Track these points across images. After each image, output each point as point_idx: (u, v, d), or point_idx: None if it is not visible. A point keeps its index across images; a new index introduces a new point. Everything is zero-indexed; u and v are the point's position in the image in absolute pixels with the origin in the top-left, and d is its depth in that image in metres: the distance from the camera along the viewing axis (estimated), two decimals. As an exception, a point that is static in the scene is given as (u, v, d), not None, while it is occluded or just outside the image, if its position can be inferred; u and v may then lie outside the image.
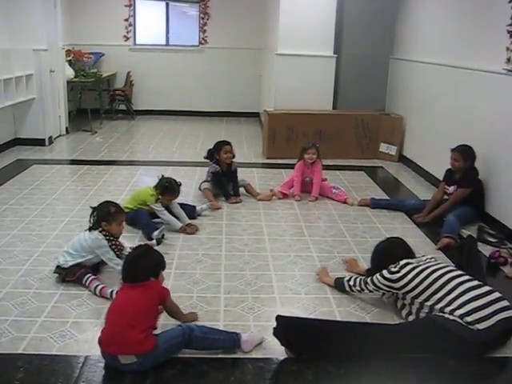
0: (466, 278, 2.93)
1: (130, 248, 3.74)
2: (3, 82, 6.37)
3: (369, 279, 3.19)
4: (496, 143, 4.72)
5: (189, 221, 4.48)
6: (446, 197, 4.86)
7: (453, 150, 4.74)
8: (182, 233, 4.34)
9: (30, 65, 7.06)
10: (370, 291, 3.21)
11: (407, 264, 3.03)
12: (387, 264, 3.12)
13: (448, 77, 5.78)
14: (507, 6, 4.53)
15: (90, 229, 3.52)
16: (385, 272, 3.07)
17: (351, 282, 3.32)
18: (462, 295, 2.80)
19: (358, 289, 3.27)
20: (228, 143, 5.31)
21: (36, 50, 7.10)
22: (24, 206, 4.91)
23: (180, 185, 4.52)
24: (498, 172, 4.66)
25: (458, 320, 2.72)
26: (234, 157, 5.35)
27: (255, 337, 2.83)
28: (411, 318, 2.99)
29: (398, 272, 3.01)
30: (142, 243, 3.91)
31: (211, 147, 5.39)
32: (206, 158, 5.39)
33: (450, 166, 4.84)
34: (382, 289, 3.12)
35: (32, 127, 7.29)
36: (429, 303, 2.88)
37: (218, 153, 5.25)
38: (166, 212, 4.41)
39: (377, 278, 3.11)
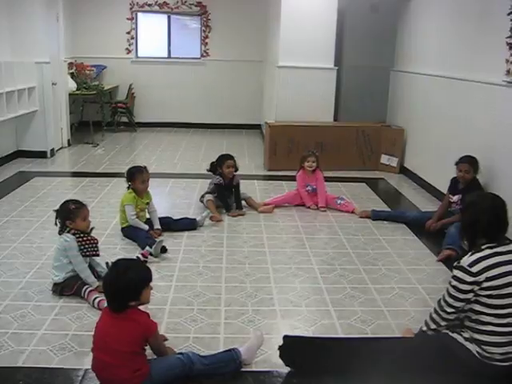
0: None
1: (106, 263, 3.65)
2: (5, 94, 6.40)
3: (442, 296, 2.70)
4: (496, 155, 4.72)
5: (159, 227, 4.54)
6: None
7: (461, 162, 4.68)
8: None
9: (32, 77, 7.10)
10: (448, 304, 2.64)
11: (496, 265, 2.54)
12: (479, 225, 2.65)
13: (449, 89, 5.79)
14: (506, 18, 4.55)
15: (60, 233, 3.51)
16: (457, 272, 2.59)
17: (429, 323, 2.77)
18: (508, 335, 2.56)
19: (438, 321, 2.72)
20: (231, 157, 5.32)
21: (38, 62, 7.14)
22: (25, 218, 4.92)
23: (145, 167, 4.58)
24: (498, 184, 4.65)
25: (474, 351, 2.58)
26: (237, 170, 5.35)
27: (253, 345, 2.77)
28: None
29: (475, 263, 2.55)
30: (139, 254, 3.94)
31: (214, 160, 5.39)
32: (209, 170, 5.39)
33: (451, 177, 4.83)
34: (455, 287, 2.59)
35: (34, 139, 7.32)
36: (476, 317, 2.59)
37: (221, 166, 5.26)
38: (134, 217, 4.42)
39: (451, 286, 2.62)
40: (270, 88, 8.28)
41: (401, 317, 3.27)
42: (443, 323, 2.71)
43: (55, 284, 3.46)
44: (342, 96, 7.80)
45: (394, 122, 7.48)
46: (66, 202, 3.59)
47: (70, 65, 8.82)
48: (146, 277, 2.57)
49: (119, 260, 2.72)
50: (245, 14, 9.96)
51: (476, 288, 2.55)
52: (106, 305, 3.17)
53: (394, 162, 7.15)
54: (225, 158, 5.30)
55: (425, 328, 2.80)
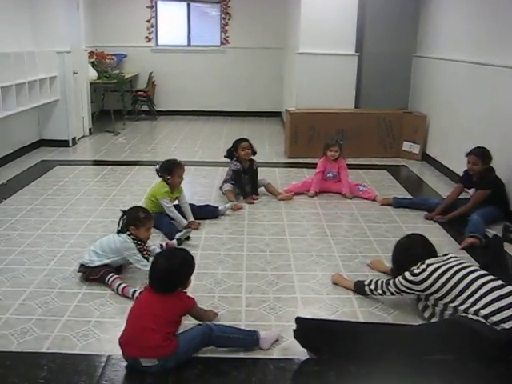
0: (490, 277, 2.88)
1: (158, 246, 3.78)
2: (28, 84, 6.46)
3: (391, 281, 3.14)
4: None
5: (192, 218, 4.52)
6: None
7: (469, 154, 4.67)
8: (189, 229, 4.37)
9: (53, 67, 7.15)
10: (392, 294, 3.16)
11: (430, 265, 2.97)
12: (407, 263, 3.10)
13: (473, 74, 5.69)
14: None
15: (119, 232, 3.56)
16: (407, 274, 3.02)
17: (372, 286, 3.27)
18: (486, 295, 2.76)
19: (380, 292, 3.22)
20: (245, 140, 5.33)
21: (59, 52, 7.20)
22: (48, 206, 4.97)
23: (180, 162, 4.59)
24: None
25: (483, 320, 2.69)
26: (254, 153, 5.36)
27: (273, 334, 2.85)
28: (434, 319, 2.96)
29: (420, 273, 2.95)
30: (163, 243, 3.96)
31: (230, 147, 5.39)
32: (226, 156, 5.41)
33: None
34: (404, 291, 3.07)
35: (56, 128, 7.39)
36: (453, 304, 2.84)
37: (237, 150, 5.27)
38: (173, 209, 4.43)
39: (399, 281, 3.06)
40: (290, 75, 8.23)
41: (423, 305, 3.24)
42: (379, 291, 3.22)
43: (85, 266, 3.50)
44: (363, 82, 7.72)
45: (416, 109, 7.39)
46: (137, 207, 3.69)
47: (91, 54, 8.86)
48: (193, 266, 2.81)
49: (168, 249, 3.05)
50: (264, 0, 9.89)
51: (419, 287, 2.96)
52: (131, 291, 3.24)
53: (416, 148, 7.07)
54: (239, 141, 5.32)
55: (367, 282, 3.32)
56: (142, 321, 2.56)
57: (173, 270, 2.65)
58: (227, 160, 5.46)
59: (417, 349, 2.70)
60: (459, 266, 2.95)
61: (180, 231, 4.18)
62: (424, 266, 2.97)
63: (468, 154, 4.69)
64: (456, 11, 6.25)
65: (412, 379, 2.61)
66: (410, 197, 5.43)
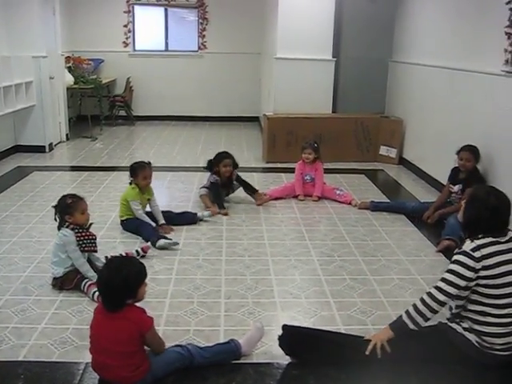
0: None
1: (106, 257, 3.53)
2: (3, 89, 6.39)
3: (438, 283, 2.60)
4: (495, 144, 4.71)
5: (163, 221, 4.52)
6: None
7: (462, 151, 4.69)
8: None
9: (29, 72, 7.07)
10: (445, 296, 2.56)
11: (484, 246, 2.55)
12: (481, 228, 2.62)
13: (447, 79, 5.78)
14: (505, 8, 4.53)
15: (59, 228, 3.51)
16: (459, 257, 2.56)
17: (416, 317, 2.59)
18: (504, 317, 2.57)
19: (424, 313, 2.58)
20: (228, 156, 5.16)
21: (35, 56, 7.12)
22: (24, 212, 4.91)
23: (149, 163, 4.54)
24: (498, 173, 4.65)
25: (473, 341, 2.61)
26: (236, 167, 5.22)
27: (253, 337, 2.79)
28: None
29: (477, 249, 2.54)
30: (139, 248, 3.95)
31: (211, 158, 5.26)
32: (206, 168, 5.28)
33: (450, 167, 4.84)
34: (459, 286, 2.53)
35: (32, 134, 7.30)
36: (474, 308, 2.60)
37: (218, 165, 5.14)
38: (142, 212, 4.43)
39: (451, 273, 2.55)
40: (268, 80, 8.26)
41: (400, 307, 3.26)
42: (429, 315, 2.58)
43: (55, 278, 3.47)
44: (340, 87, 7.79)
45: (393, 113, 7.47)
46: (64, 196, 3.58)
47: (68, 59, 8.79)
48: (141, 274, 2.50)
49: (112, 258, 2.73)
50: (242, 5, 9.92)
51: (474, 276, 2.53)
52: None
53: (392, 153, 7.15)
54: (222, 157, 5.15)
55: (408, 321, 2.61)
56: (102, 357, 2.44)
57: (113, 279, 2.40)
58: (205, 166, 5.42)
59: (400, 355, 2.66)
60: None
61: (165, 237, 4.19)
62: (480, 243, 2.55)
63: (459, 151, 4.71)
64: (432, 17, 6.34)
65: (391, 381, 2.63)
66: (387, 200, 5.48)
